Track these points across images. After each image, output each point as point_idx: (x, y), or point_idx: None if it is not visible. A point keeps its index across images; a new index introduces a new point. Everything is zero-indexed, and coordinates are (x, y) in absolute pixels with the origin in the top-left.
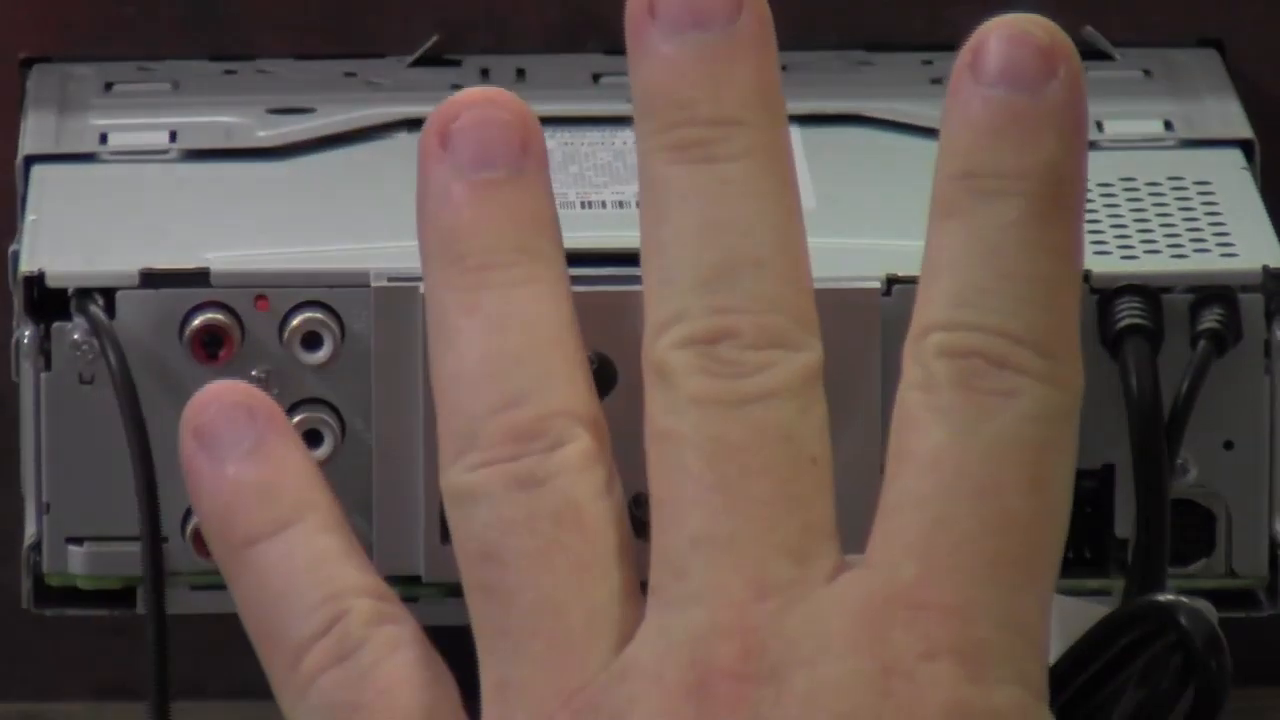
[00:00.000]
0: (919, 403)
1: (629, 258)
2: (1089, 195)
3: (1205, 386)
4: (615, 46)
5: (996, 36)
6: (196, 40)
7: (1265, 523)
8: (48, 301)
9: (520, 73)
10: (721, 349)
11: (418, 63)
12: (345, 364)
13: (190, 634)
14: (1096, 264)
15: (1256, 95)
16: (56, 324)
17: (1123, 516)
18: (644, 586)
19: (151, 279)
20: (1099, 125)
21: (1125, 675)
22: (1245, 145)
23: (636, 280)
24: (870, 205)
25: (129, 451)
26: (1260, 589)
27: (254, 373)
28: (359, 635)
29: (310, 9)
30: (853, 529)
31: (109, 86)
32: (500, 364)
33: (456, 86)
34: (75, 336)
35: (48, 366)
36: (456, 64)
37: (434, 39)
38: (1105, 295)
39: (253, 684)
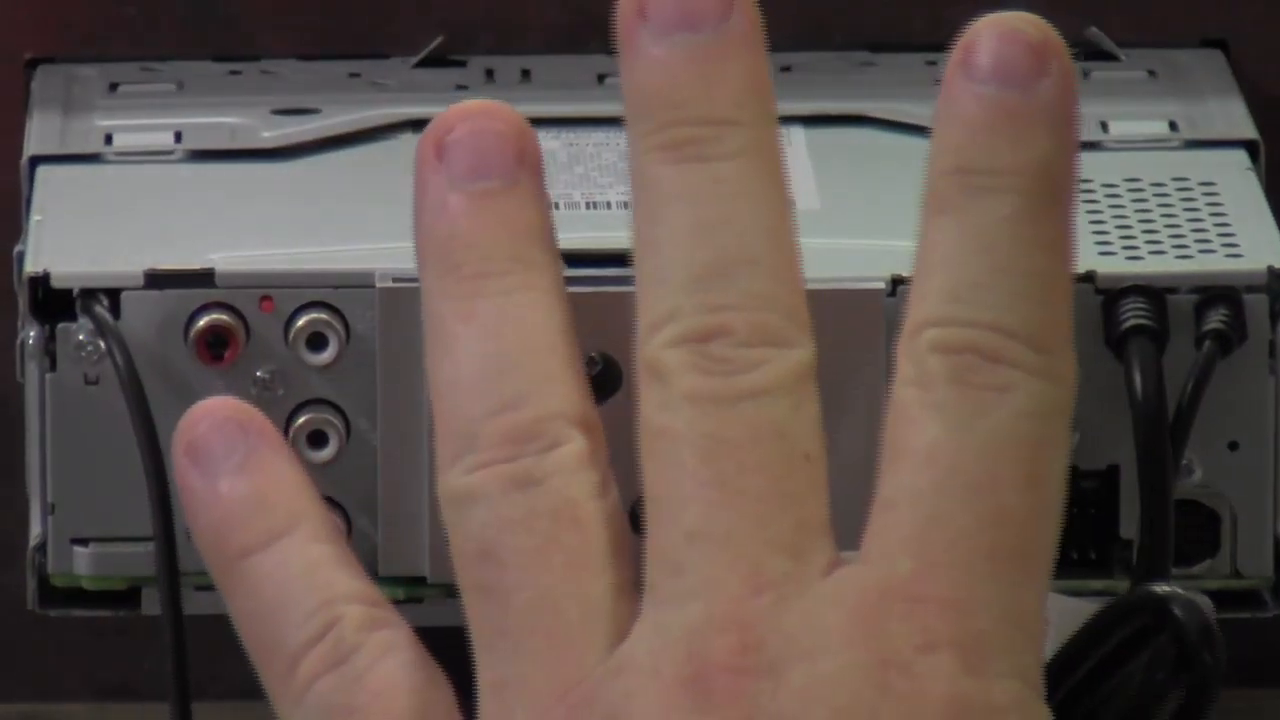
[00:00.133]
0: (913, 399)
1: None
2: (1094, 196)
3: (1210, 387)
4: None
5: (988, 34)
6: (201, 41)
7: (1270, 523)
8: (53, 302)
9: (525, 73)
10: (715, 347)
11: (422, 63)
12: (350, 364)
13: (191, 635)
14: (1101, 264)
15: (1261, 96)
16: (61, 325)
17: (1127, 517)
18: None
19: (156, 280)
20: (1104, 126)
21: (1123, 670)
22: (1250, 146)
23: None
24: (874, 206)
25: (138, 451)
26: (1265, 590)
27: (258, 373)
28: (353, 640)
29: (314, 9)
30: (855, 526)
31: (114, 87)
32: (496, 369)
33: (461, 87)
34: (80, 337)
35: (53, 367)
36: (461, 65)
37: (439, 40)
38: (1110, 296)
39: (254, 686)
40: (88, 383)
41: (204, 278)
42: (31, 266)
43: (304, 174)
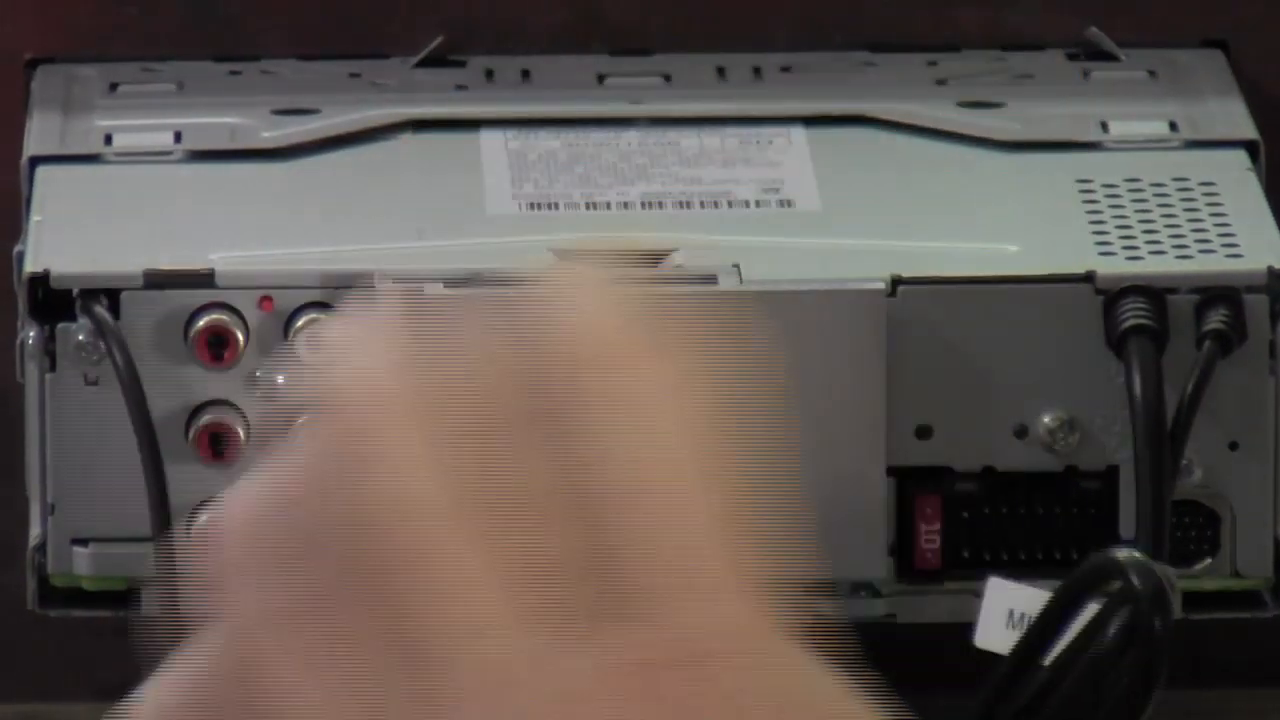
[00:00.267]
0: None
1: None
2: (1094, 196)
3: (1210, 387)
4: (620, 48)
5: None
6: (201, 41)
7: (1270, 524)
8: (52, 302)
9: (525, 74)
10: None
11: (423, 63)
12: None
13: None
14: (1101, 265)
15: (1261, 96)
16: (61, 325)
17: (1127, 518)
18: None
19: (156, 280)
20: (1104, 126)
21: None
22: (1250, 146)
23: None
24: (875, 206)
25: (138, 451)
26: (1265, 590)
27: (258, 373)
28: None
29: (315, 10)
30: (856, 527)
31: (114, 87)
32: None
33: (461, 87)
34: (80, 337)
35: (52, 367)
36: (461, 65)
37: (439, 40)
38: (1110, 296)
39: None
40: (87, 383)
41: (204, 278)
42: (31, 266)
43: (304, 174)
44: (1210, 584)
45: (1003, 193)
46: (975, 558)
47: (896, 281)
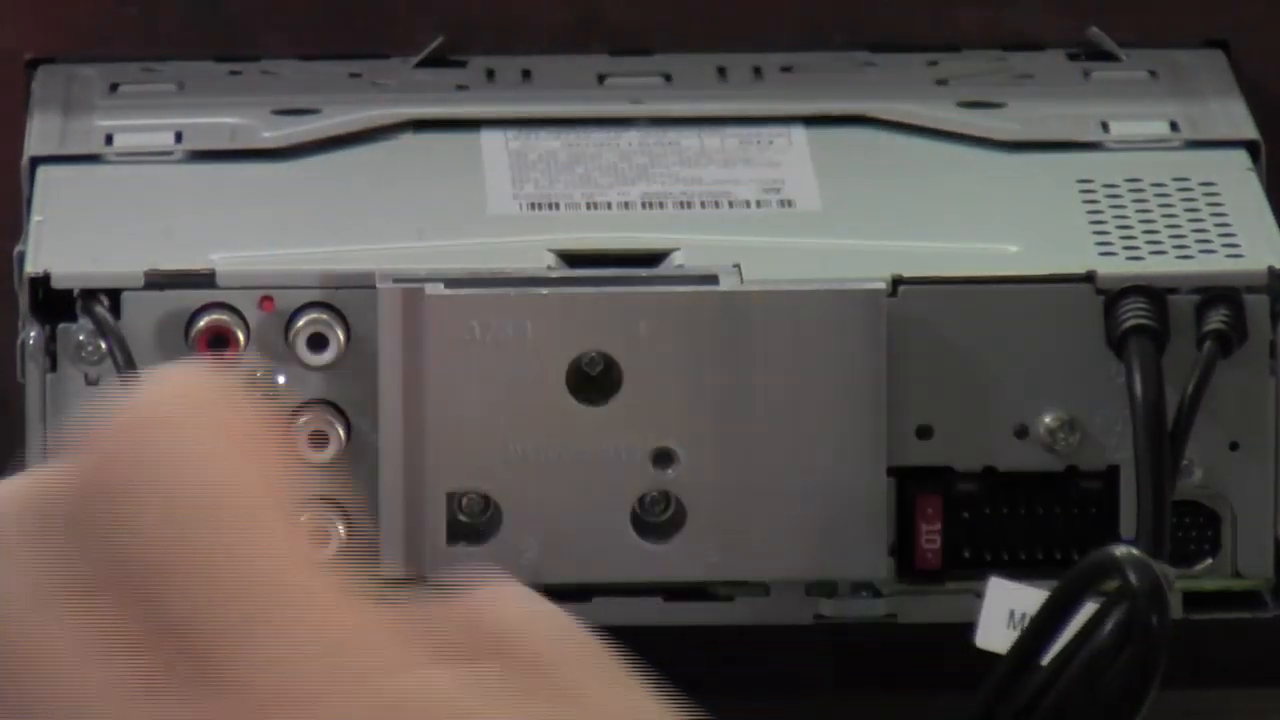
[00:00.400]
0: None
1: (634, 259)
2: (1095, 196)
3: (1210, 387)
4: (620, 48)
5: None
6: (201, 41)
7: (1271, 524)
8: (53, 303)
9: (526, 73)
10: None
11: (423, 63)
12: (351, 365)
13: None
14: (1102, 265)
15: (1262, 96)
16: (62, 325)
17: (1127, 518)
18: None
19: (157, 280)
20: (1105, 126)
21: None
22: (1251, 146)
23: (641, 281)
24: (875, 206)
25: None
26: (1266, 590)
27: (259, 374)
28: None
29: (315, 10)
30: (856, 527)
31: (114, 87)
32: None
33: (462, 88)
34: (81, 338)
35: (53, 368)
36: (462, 65)
37: (439, 40)
38: (1111, 296)
39: None
40: (88, 383)
41: (204, 278)
42: (32, 267)
43: (304, 174)
44: (1210, 584)
45: (1003, 193)
46: (976, 558)
47: (897, 281)
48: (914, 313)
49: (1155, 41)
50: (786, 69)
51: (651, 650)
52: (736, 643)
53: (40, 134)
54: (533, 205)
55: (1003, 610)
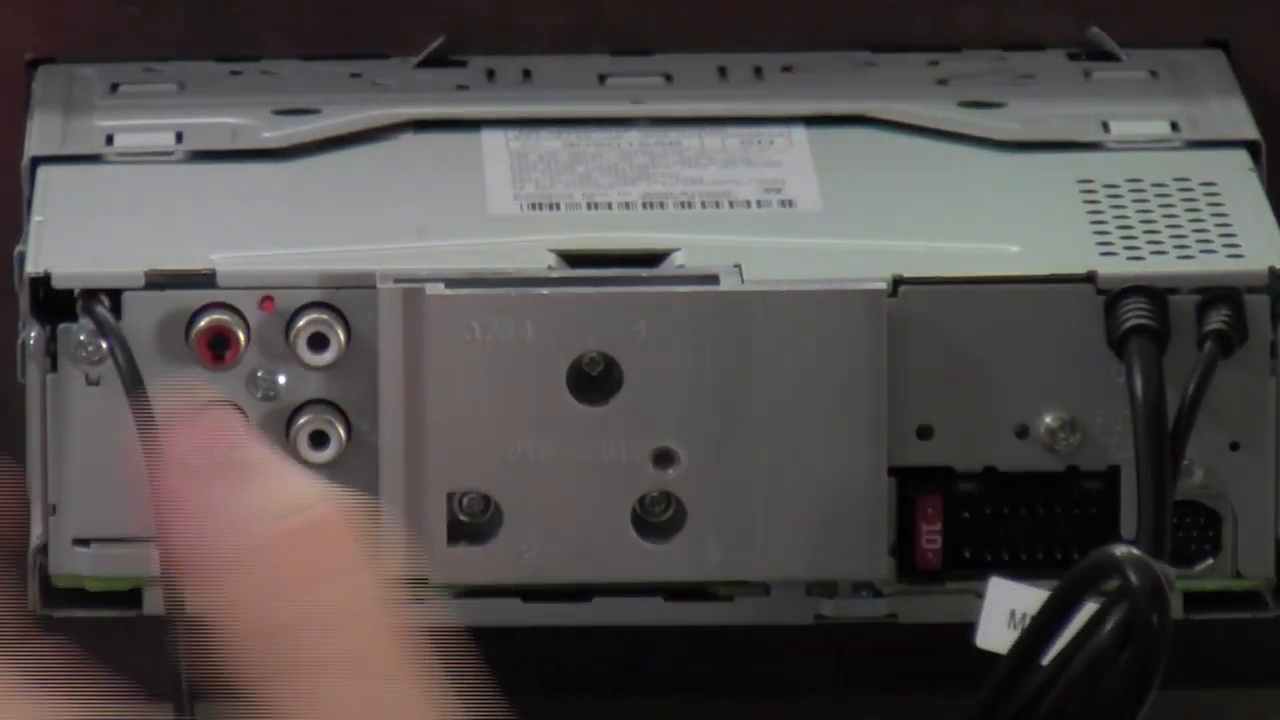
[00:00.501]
0: None
1: (634, 259)
2: (1095, 196)
3: (1211, 387)
4: (621, 47)
5: None
6: (202, 41)
7: (1271, 524)
8: (54, 303)
9: (526, 73)
10: None
11: (423, 63)
12: (351, 365)
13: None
14: (1102, 265)
15: (1262, 96)
16: (63, 325)
17: (1128, 518)
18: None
19: (157, 280)
20: (1105, 126)
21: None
22: (1251, 146)
23: (642, 281)
24: (876, 206)
25: (141, 451)
26: (1266, 591)
27: (259, 374)
28: None
29: (315, 10)
30: (857, 527)
31: (114, 87)
32: None
33: (462, 88)
34: (81, 338)
35: (54, 368)
36: (462, 65)
37: (439, 40)
38: (1111, 296)
39: None
40: (89, 383)
41: (205, 278)
42: (32, 267)
43: (305, 175)
44: (1211, 584)
45: (1004, 193)
46: (976, 558)
47: (898, 281)
48: (914, 313)
49: (1156, 41)
50: (787, 69)
51: (652, 650)
52: (736, 643)
53: (41, 134)
54: (533, 205)
55: (1003, 610)
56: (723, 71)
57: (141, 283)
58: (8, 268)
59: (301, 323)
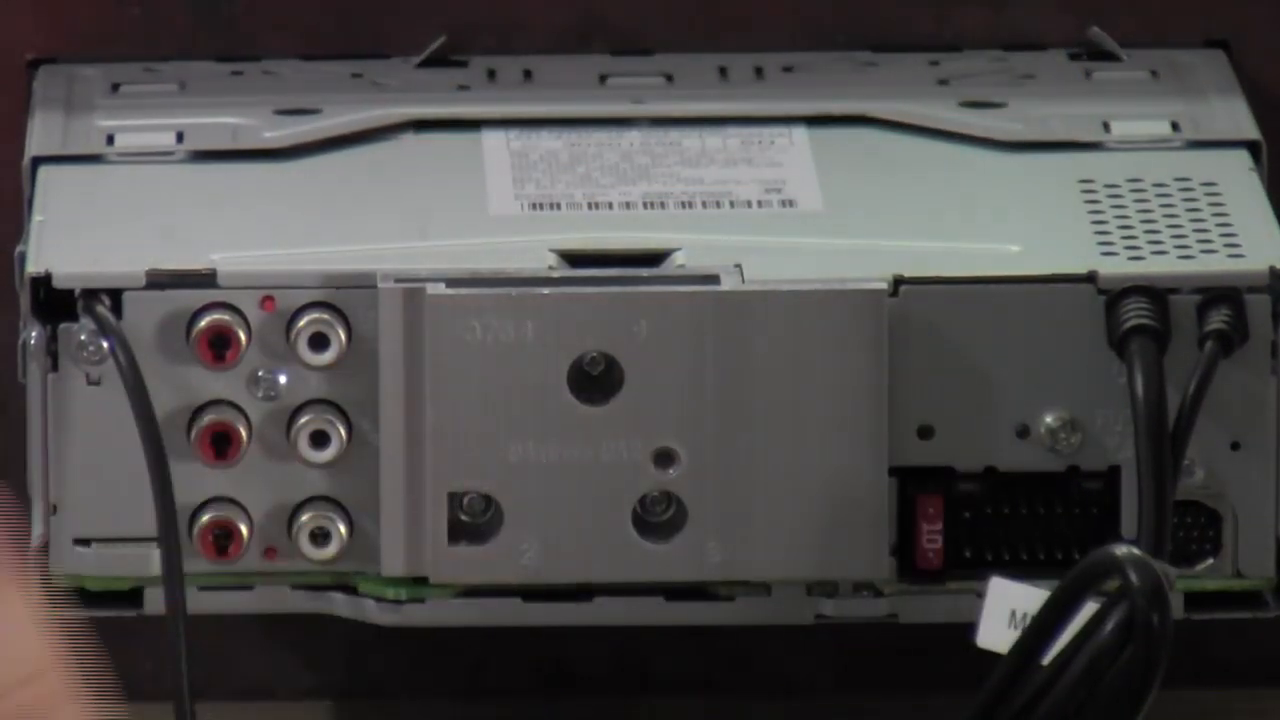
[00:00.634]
0: None
1: (634, 258)
2: (1096, 196)
3: (1212, 387)
4: (621, 48)
5: None
6: (203, 41)
7: (1272, 524)
8: (55, 302)
9: (527, 74)
10: None
11: (425, 64)
12: (352, 365)
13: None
14: (1103, 265)
15: (1263, 96)
16: (63, 325)
17: (1129, 518)
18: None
19: (158, 280)
20: (1106, 126)
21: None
22: (1252, 146)
23: (642, 281)
24: (877, 206)
25: (143, 451)
26: (1267, 590)
27: (260, 374)
28: None
29: (316, 10)
30: (857, 527)
31: (115, 87)
32: None
33: (463, 88)
34: (82, 337)
35: (54, 368)
36: (463, 65)
37: (441, 40)
38: (1112, 296)
39: (256, 686)
40: (90, 383)
41: (206, 278)
42: (33, 267)
43: (306, 174)
44: (1212, 584)
45: (1005, 193)
46: (977, 558)
47: (898, 281)
48: (915, 313)
49: (1156, 41)
50: (788, 69)
51: (652, 650)
52: (736, 643)
53: (42, 134)
54: (534, 205)
55: (1004, 610)
56: (723, 71)
57: (142, 282)
58: (9, 268)
59: (302, 322)
